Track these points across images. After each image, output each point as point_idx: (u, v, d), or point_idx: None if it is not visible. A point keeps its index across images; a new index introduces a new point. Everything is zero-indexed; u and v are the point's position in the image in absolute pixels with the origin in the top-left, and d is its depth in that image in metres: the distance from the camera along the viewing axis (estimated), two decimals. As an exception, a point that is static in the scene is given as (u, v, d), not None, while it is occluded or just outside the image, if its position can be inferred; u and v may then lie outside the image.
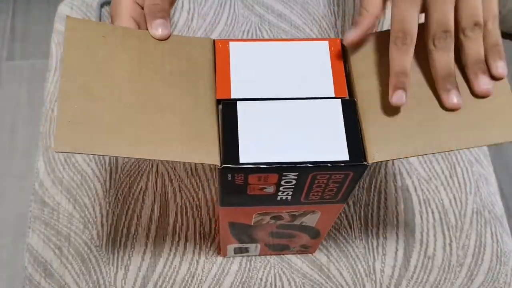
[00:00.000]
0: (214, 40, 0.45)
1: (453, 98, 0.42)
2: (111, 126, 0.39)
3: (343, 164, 0.39)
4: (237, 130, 0.40)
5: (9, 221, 1.17)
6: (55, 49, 0.76)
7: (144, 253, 0.62)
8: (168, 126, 0.40)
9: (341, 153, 0.40)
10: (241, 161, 0.39)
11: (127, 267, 0.61)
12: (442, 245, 0.64)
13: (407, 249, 0.63)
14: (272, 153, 0.40)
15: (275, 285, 0.61)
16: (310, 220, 0.51)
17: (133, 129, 0.40)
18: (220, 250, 0.61)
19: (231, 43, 0.44)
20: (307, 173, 0.40)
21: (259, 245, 0.58)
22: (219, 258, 0.62)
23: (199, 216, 0.64)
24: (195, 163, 0.62)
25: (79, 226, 0.63)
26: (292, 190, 0.43)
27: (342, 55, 0.44)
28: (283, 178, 0.41)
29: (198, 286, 0.61)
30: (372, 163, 0.43)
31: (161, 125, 0.40)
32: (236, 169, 0.39)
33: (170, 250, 0.62)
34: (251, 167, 0.39)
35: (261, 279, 0.61)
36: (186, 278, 0.61)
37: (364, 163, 0.40)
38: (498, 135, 0.41)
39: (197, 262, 0.62)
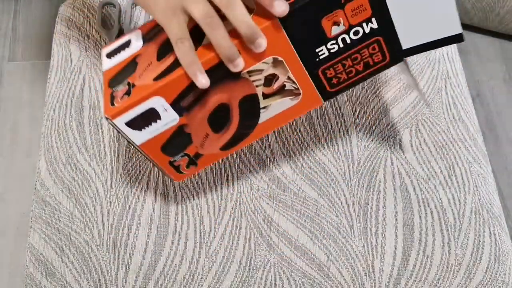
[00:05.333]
0: None
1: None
2: None
3: (401, 46, 0.52)
4: None
5: (11, 220, 1.17)
6: (57, 50, 0.76)
7: (145, 252, 0.62)
8: None
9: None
10: None
11: (128, 266, 0.62)
12: (440, 244, 0.64)
13: (406, 248, 0.64)
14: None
15: (275, 284, 0.62)
16: (275, 108, 0.55)
17: None
18: (118, 108, 0.51)
19: None
20: (379, 32, 0.51)
21: (175, 122, 0.53)
22: (219, 257, 0.62)
23: (199, 215, 0.64)
24: None
25: (80, 226, 0.64)
26: (340, 46, 0.51)
27: None
28: (363, 23, 0.50)
29: (199, 285, 0.61)
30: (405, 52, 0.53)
31: None
32: None
33: (171, 249, 0.62)
34: None
35: (261, 278, 0.62)
36: (187, 277, 0.62)
37: (402, 59, 0.53)
38: None
39: (197, 261, 0.62)
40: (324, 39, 0.50)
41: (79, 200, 0.65)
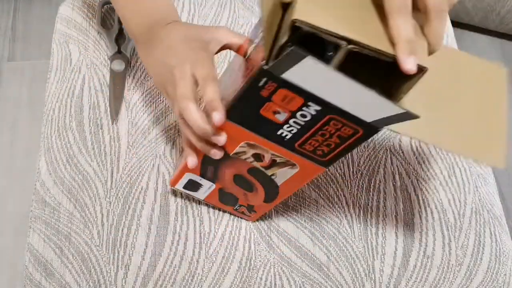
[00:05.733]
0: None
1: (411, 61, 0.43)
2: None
3: (364, 120, 0.43)
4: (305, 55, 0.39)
5: (10, 220, 1.17)
6: (56, 50, 0.76)
7: (144, 252, 0.62)
8: None
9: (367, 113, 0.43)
10: (284, 76, 0.41)
11: (127, 267, 0.62)
12: (441, 245, 0.64)
13: (406, 249, 0.64)
14: (314, 85, 0.42)
15: (275, 285, 0.62)
16: (282, 175, 0.53)
17: None
18: (172, 179, 0.61)
19: None
20: (328, 112, 0.44)
21: (214, 187, 0.59)
22: (219, 257, 0.62)
23: (199, 215, 0.64)
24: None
25: (79, 226, 0.63)
26: (298, 128, 0.46)
27: None
28: (303, 108, 0.44)
29: (198, 286, 0.61)
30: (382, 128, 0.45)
31: None
32: (274, 78, 0.42)
33: (170, 249, 0.62)
34: (288, 82, 0.42)
35: (261, 279, 0.62)
36: (186, 278, 0.62)
37: (378, 129, 0.44)
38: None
39: (197, 261, 0.62)
40: (276, 125, 0.47)
41: (79, 201, 0.65)
